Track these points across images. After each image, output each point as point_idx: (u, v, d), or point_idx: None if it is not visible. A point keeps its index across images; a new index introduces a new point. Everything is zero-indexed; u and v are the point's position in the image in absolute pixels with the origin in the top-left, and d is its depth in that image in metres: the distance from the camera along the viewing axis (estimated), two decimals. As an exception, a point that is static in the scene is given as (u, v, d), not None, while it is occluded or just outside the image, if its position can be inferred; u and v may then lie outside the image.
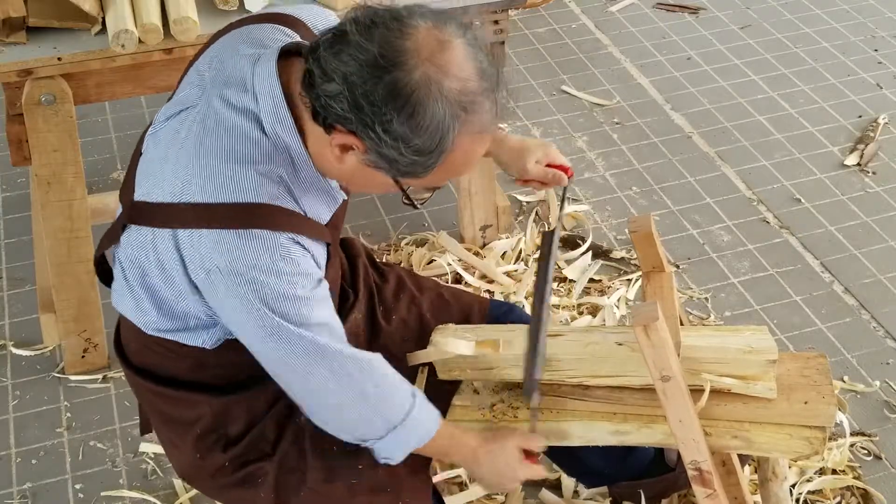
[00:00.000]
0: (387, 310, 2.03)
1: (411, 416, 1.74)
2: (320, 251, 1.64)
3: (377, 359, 1.72)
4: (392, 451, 1.77)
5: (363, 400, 1.69)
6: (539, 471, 1.92)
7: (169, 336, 1.71)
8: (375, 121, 1.46)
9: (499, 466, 1.87)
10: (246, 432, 1.81)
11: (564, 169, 2.04)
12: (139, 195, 1.63)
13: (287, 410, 1.81)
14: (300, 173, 1.60)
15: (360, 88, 1.45)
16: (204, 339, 1.70)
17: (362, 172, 1.56)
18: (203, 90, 1.64)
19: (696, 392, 1.86)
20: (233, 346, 1.69)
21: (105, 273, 1.82)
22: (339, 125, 1.50)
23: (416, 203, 1.62)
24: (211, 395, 1.79)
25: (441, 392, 1.99)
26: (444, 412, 1.95)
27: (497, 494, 2.46)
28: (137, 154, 1.71)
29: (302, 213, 1.61)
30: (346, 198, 1.73)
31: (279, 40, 1.65)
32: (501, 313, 2.13)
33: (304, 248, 1.59)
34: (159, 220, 1.59)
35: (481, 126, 1.52)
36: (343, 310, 1.94)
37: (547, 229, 2.05)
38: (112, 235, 1.72)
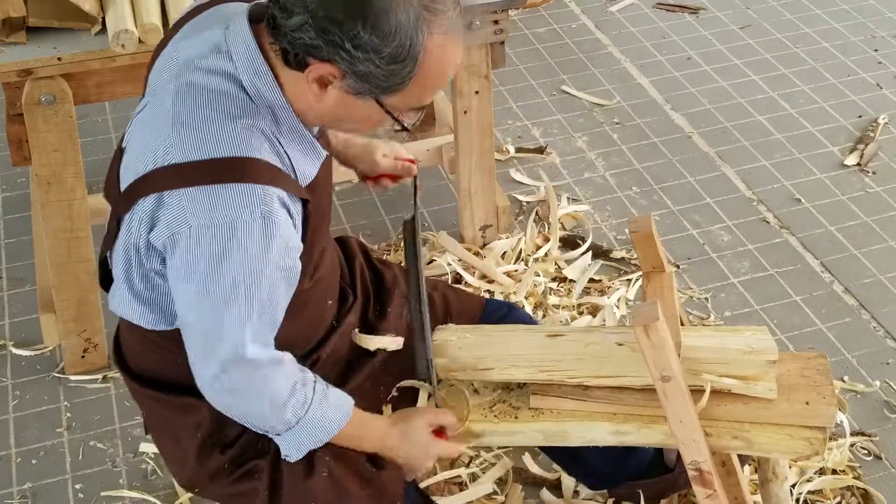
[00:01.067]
0: (382, 309, 2.03)
1: (307, 416, 1.73)
2: (298, 209, 1.64)
3: (288, 360, 1.71)
4: (288, 449, 1.77)
5: (258, 399, 1.68)
6: (451, 448, 1.92)
7: (165, 327, 1.72)
8: (344, 38, 1.49)
9: (410, 446, 1.86)
10: (242, 432, 1.81)
11: (411, 161, 2.10)
12: (125, 183, 1.64)
13: None
14: (283, 126, 1.62)
15: (322, 11, 1.49)
16: None
17: (345, 105, 1.59)
18: (176, 69, 1.65)
19: (696, 392, 1.86)
20: None
21: (106, 278, 1.83)
22: (310, 57, 1.53)
23: (406, 125, 1.64)
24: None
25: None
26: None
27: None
28: (119, 152, 1.73)
29: (288, 166, 1.62)
30: (329, 154, 1.75)
31: (246, 7, 1.68)
32: (502, 314, 2.13)
33: (287, 208, 1.59)
34: (143, 191, 1.59)
35: (449, 25, 1.54)
36: (342, 311, 1.95)
37: (406, 217, 2.08)
38: (108, 237, 1.73)
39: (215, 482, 1.85)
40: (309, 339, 1.88)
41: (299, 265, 1.66)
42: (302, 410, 1.72)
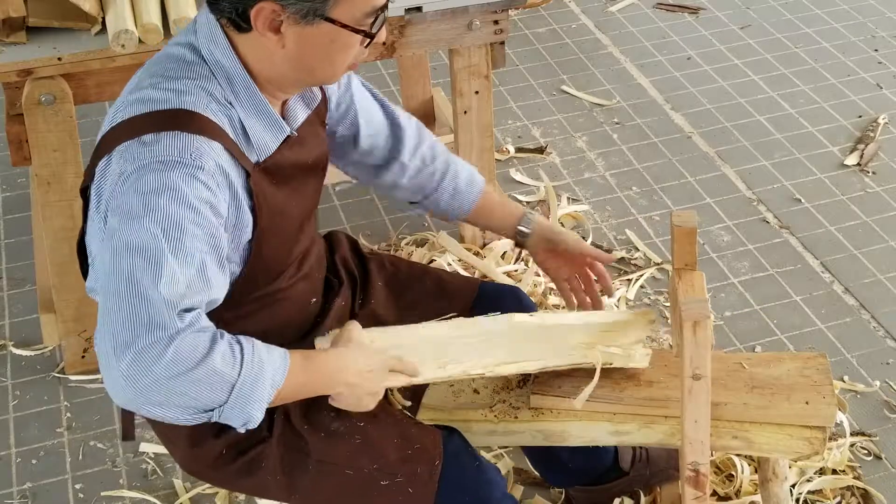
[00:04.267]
0: (365, 299, 2.03)
1: (245, 365, 1.56)
2: (238, 175, 1.63)
3: (209, 328, 1.56)
4: (247, 412, 1.58)
5: (186, 351, 1.51)
6: (399, 379, 1.80)
7: None
8: None
9: (364, 355, 1.74)
10: None
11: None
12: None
13: None
14: (241, 96, 1.66)
15: None
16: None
17: (305, 39, 1.61)
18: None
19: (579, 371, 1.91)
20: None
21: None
22: (249, 5, 1.57)
23: (371, 34, 1.64)
24: None
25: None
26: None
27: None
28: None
29: (239, 133, 1.65)
30: (292, 132, 1.73)
31: None
32: (496, 296, 2.10)
33: (218, 163, 1.59)
34: (97, 157, 1.63)
35: None
36: (328, 299, 1.94)
37: None
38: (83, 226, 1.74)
39: (219, 470, 1.83)
40: (286, 337, 1.82)
41: (223, 234, 1.60)
42: (237, 364, 1.55)
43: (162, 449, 2.59)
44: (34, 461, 2.62)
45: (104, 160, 1.62)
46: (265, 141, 1.69)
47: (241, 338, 1.59)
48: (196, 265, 1.55)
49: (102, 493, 2.53)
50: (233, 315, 1.72)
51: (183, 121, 1.59)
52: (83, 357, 2.80)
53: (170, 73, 1.64)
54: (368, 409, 1.77)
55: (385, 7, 1.65)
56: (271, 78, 1.67)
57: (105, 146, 1.63)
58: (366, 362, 1.75)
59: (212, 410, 1.55)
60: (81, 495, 2.53)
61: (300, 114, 1.78)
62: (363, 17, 1.62)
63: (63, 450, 2.64)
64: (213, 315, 1.63)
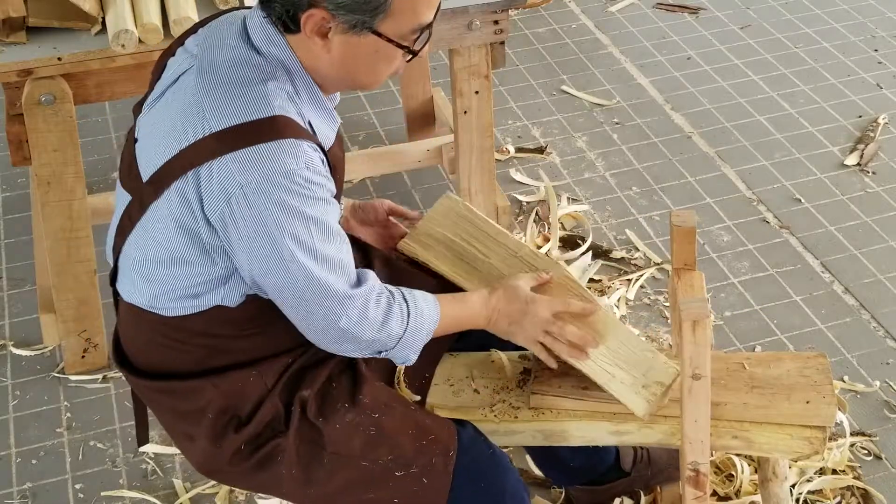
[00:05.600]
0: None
1: (411, 321, 1.79)
2: (326, 163, 1.70)
3: (374, 279, 1.76)
4: (406, 355, 1.82)
5: (367, 329, 1.73)
6: (575, 304, 1.90)
7: (188, 310, 1.73)
8: None
9: (520, 302, 1.88)
10: (255, 410, 1.81)
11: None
12: (150, 170, 1.67)
13: (291, 385, 1.82)
14: (301, 91, 1.70)
15: None
16: (223, 296, 1.73)
17: (351, 47, 1.65)
18: (192, 60, 1.72)
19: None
20: (239, 336, 1.73)
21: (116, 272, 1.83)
22: (298, 11, 1.61)
23: (415, 50, 1.68)
24: (214, 376, 1.79)
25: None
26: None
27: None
28: (132, 143, 1.76)
29: (307, 127, 1.68)
30: (340, 121, 1.81)
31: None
32: None
33: (321, 158, 1.66)
34: (179, 169, 1.63)
35: None
36: None
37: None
38: (123, 228, 1.74)
39: (235, 465, 1.83)
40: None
41: (338, 205, 1.72)
42: (405, 320, 1.77)
43: (162, 449, 2.59)
44: (34, 461, 2.62)
45: (196, 173, 1.61)
46: (325, 133, 1.75)
47: (406, 294, 1.80)
48: (343, 237, 1.71)
49: (102, 493, 2.53)
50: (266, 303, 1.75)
51: (280, 127, 1.61)
52: (83, 357, 2.80)
53: (242, 79, 1.64)
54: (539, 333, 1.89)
55: (431, 24, 1.68)
56: (317, 78, 1.71)
57: (194, 157, 1.61)
58: (529, 310, 1.87)
59: (381, 351, 1.79)
60: (81, 495, 2.53)
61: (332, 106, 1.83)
62: (409, 32, 1.66)
63: (63, 450, 2.64)
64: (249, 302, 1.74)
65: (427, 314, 1.81)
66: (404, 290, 1.82)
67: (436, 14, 1.68)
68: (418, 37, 1.68)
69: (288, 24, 1.64)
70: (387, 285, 1.80)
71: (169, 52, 1.81)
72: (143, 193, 1.68)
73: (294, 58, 1.68)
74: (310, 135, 1.66)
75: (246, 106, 1.62)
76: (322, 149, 1.68)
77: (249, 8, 1.76)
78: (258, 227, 1.61)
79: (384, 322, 1.75)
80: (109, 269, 1.83)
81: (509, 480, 1.89)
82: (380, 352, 1.79)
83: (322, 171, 1.65)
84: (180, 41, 1.79)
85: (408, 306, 1.79)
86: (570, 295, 1.95)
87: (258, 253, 1.64)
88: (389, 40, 1.65)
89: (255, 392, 1.81)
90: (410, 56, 1.70)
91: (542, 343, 1.89)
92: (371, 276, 1.77)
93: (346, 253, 1.71)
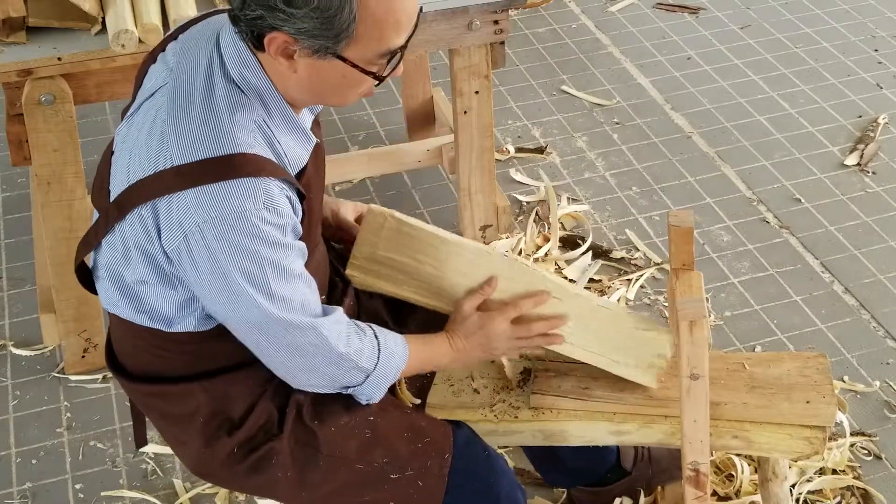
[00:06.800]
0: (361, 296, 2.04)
1: (382, 358, 1.77)
2: (296, 199, 1.67)
3: (341, 315, 1.74)
4: (372, 393, 1.80)
5: (335, 362, 1.72)
6: (538, 325, 1.90)
7: (161, 327, 1.73)
8: (277, 0, 1.51)
9: (487, 328, 1.87)
10: (247, 413, 1.81)
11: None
12: (116, 189, 1.66)
13: (285, 387, 1.81)
14: (273, 113, 1.65)
15: None
16: (192, 324, 1.72)
17: (316, 71, 1.60)
18: (168, 75, 1.68)
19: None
20: (223, 337, 1.71)
21: (87, 279, 1.84)
22: (264, 31, 1.56)
23: (379, 76, 1.63)
24: (204, 380, 1.79)
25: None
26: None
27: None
28: (108, 155, 1.74)
29: (281, 155, 1.65)
30: (319, 140, 1.76)
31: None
32: None
33: (286, 195, 1.63)
34: (141, 196, 1.61)
35: None
36: (332, 298, 1.95)
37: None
38: (88, 241, 1.74)
39: (228, 468, 1.83)
40: None
41: (304, 245, 1.69)
42: (376, 357, 1.76)
43: (162, 449, 2.59)
44: (34, 461, 2.62)
45: (154, 205, 1.59)
46: (298, 154, 1.70)
47: (378, 332, 1.78)
48: (304, 279, 1.67)
49: (102, 493, 2.53)
50: None
51: (242, 165, 1.57)
52: (83, 357, 2.80)
53: (209, 111, 1.60)
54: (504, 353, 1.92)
55: (403, 48, 1.62)
56: (288, 96, 1.67)
57: (153, 189, 1.59)
58: (494, 333, 1.87)
59: (348, 387, 1.78)
60: (81, 495, 2.53)
61: (308, 119, 1.79)
62: (376, 57, 1.60)
63: (63, 450, 2.64)
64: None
65: (397, 354, 1.79)
66: (375, 327, 1.80)
67: (409, 38, 1.61)
68: (389, 61, 1.62)
69: (255, 42, 1.60)
70: (357, 321, 1.79)
71: (151, 58, 1.77)
72: (109, 213, 1.67)
73: (266, 79, 1.63)
74: (277, 170, 1.61)
75: (209, 141, 1.58)
76: (292, 181, 1.64)
77: (209, 11, 1.75)
78: (213, 266, 1.59)
79: (353, 357, 1.73)
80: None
81: (504, 483, 1.89)
82: (347, 387, 1.78)
83: (284, 211, 1.61)
84: (161, 46, 1.76)
85: (378, 344, 1.77)
86: (519, 286, 1.90)
87: (213, 290, 1.62)
88: (355, 66, 1.59)
89: (246, 395, 1.81)
90: (377, 83, 1.65)
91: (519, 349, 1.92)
92: (338, 311, 1.74)
93: (308, 293, 1.67)
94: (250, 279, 1.60)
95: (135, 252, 1.65)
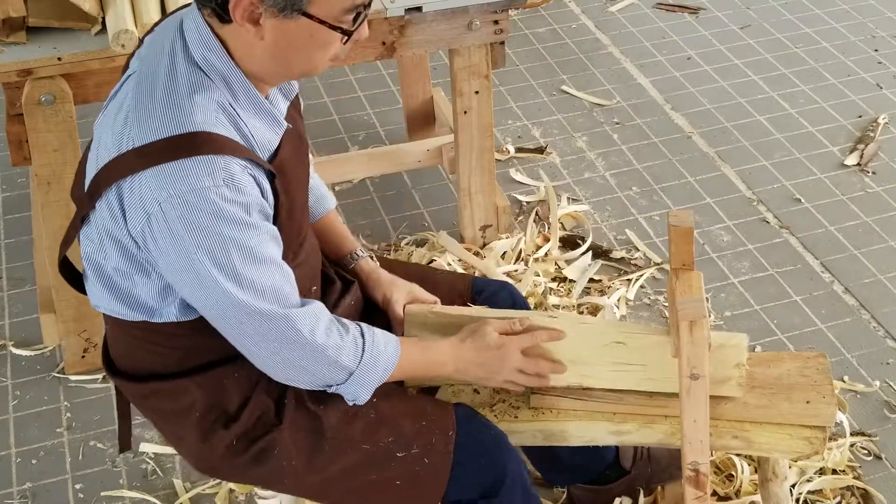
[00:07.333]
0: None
1: (366, 357, 1.75)
2: (264, 179, 1.65)
3: (320, 310, 1.73)
4: (356, 393, 1.78)
5: (310, 356, 1.70)
6: (534, 364, 1.91)
7: (142, 318, 1.73)
8: None
9: (487, 353, 1.88)
10: (243, 406, 1.81)
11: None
12: (88, 178, 1.66)
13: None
14: (239, 96, 1.65)
15: None
16: (174, 313, 1.72)
17: (283, 33, 1.59)
18: (140, 61, 1.70)
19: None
20: (213, 331, 1.71)
21: (73, 278, 1.84)
22: None
23: (348, 31, 1.62)
24: (197, 375, 1.79)
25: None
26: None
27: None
28: (87, 150, 1.75)
29: (248, 137, 1.64)
30: (291, 126, 1.75)
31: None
32: (492, 292, 2.10)
33: (250, 174, 1.61)
34: (107, 181, 1.61)
35: None
36: (333, 297, 1.95)
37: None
38: (68, 236, 1.75)
39: (228, 462, 1.83)
40: None
41: (276, 230, 1.67)
42: (359, 354, 1.74)
43: (162, 449, 2.59)
44: (34, 461, 2.62)
45: (117, 188, 1.59)
46: (267, 138, 1.70)
47: (364, 330, 1.77)
48: (277, 266, 1.66)
49: (102, 493, 2.53)
50: None
51: (202, 143, 1.57)
52: (83, 357, 2.80)
53: (171, 92, 1.61)
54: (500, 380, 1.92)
55: (367, 5, 1.63)
56: (255, 72, 1.66)
57: (115, 172, 1.60)
58: (490, 361, 1.87)
59: (331, 385, 1.76)
60: (81, 495, 2.53)
61: (282, 104, 1.79)
62: (341, 13, 1.60)
63: (63, 450, 2.64)
64: None
65: (385, 353, 1.78)
66: (363, 325, 1.79)
67: None
68: (355, 17, 1.62)
69: (222, 14, 1.59)
70: (342, 318, 1.78)
71: (133, 53, 1.78)
72: (82, 203, 1.68)
73: (230, 62, 1.63)
74: (239, 148, 1.61)
75: (168, 121, 1.58)
76: (258, 160, 1.63)
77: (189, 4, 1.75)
78: (177, 247, 1.58)
79: (334, 352, 1.71)
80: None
81: (511, 459, 1.89)
82: (329, 385, 1.76)
83: (247, 189, 1.59)
84: (141, 41, 1.78)
85: (364, 341, 1.76)
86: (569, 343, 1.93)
87: (180, 273, 1.62)
88: (322, 22, 1.59)
89: (240, 388, 1.81)
90: (346, 38, 1.64)
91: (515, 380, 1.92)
92: (317, 304, 1.73)
93: (281, 281, 1.66)
94: (214, 260, 1.58)
95: (107, 240, 1.66)
